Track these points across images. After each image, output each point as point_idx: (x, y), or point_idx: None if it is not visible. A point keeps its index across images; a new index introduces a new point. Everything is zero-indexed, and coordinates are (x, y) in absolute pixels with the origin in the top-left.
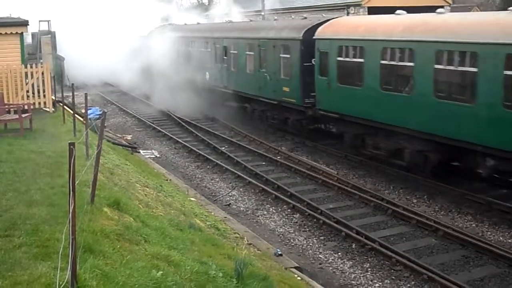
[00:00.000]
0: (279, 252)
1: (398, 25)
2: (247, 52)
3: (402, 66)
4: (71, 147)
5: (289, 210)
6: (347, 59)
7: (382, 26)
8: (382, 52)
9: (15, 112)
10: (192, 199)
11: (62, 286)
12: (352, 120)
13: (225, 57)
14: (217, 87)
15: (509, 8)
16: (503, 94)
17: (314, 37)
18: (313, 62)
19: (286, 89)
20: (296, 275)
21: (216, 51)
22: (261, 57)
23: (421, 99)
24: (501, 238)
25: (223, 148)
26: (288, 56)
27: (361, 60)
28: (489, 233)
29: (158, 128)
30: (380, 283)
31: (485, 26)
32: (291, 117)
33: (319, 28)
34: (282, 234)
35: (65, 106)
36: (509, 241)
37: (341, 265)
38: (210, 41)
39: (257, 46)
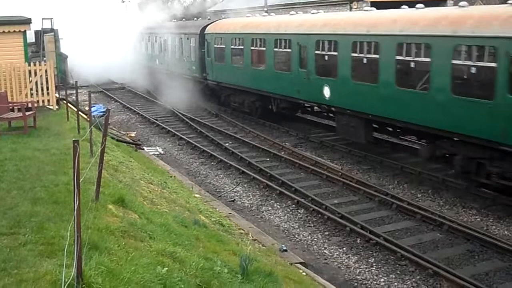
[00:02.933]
0: (284, 248)
1: (239, 24)
2: (176, 43)
3: (239, 49)
4: (75, 144)
5: (293, 205)
6: (218, 46)
7: (232, 25)
8: (232, 41)
9: (19, 110)
10: (197, 195)
11: (68, 283)
12: (224, 85)
13: (165, 48)
14: (162, 70)
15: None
16: (274, 62)
17: (204, 32)
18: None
19: (194, 67)
20: (301, 271)
21: (161, 43)
22: (182, 46)
23: (248, 69)
24: (506, 232)
25: (227, 144)
26: (193, 45)
27: (224, 46)
28: (494, 227)
29: (162, 125)
30: (385, 278)
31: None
32: (199, 86)
33: (207, 27)
34: (287, 230)
35: (68, 104)
36: None
37: (346, 260)
38: (158, 36)
39: (180, 39)
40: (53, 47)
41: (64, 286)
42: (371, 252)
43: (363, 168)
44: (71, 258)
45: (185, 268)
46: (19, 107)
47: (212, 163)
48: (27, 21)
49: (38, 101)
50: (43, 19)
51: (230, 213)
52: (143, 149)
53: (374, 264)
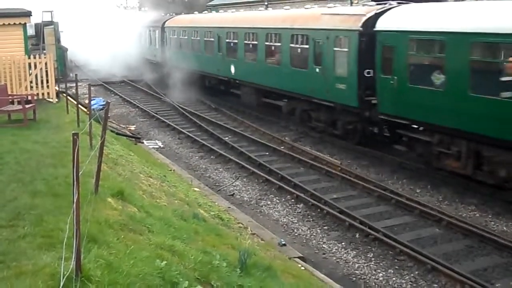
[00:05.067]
0: (283, 242)
1: (186, 20)
2: (147, 35)
3: (185, 39)
4: (75, 137)
5: (292, 200)
6: (173, 36)
7: (182, 20)
8: (181, 33)
9: (19, 103)
10: (196, 189)
11: (67, 276)
12: (181, 67)
13: (140, 38)
14: (142, 57)
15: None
16: (204, 48)
17: (164, 26)
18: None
19: (157, 54)
20: (299, 265)
21: (140, 35)
22: (151, 36)
23: (191, 54)
24: (504, 228)
25: (227, 138)
26: (157, 36)
27: (176, 36)
28: (492, 223)
29: (162, 118)
30: (384, 273)
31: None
32: (162, 69)
33: (166, 21)
34: (286, 224)
35: (68, 97)
36: None
37: (344, 255)
38: (140, 29)
39: (149, 31)
40: (53, 40)
41: (63, 279)
42: (369, 247)
43: (362, 163)
44: (70, 251)
45: (184, 262)
46: (19, 99)
47: (212, 157)
48: (27, 14)
49: (38, 94)
50: (43, 11)
51: (229, 207)
52: (143, 142)
53: (372, 259)
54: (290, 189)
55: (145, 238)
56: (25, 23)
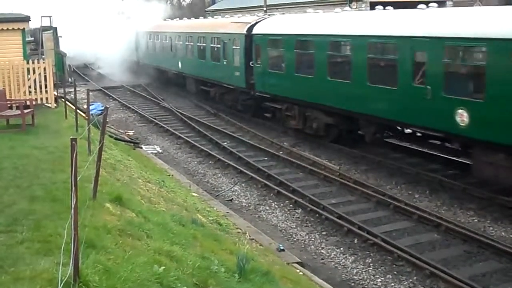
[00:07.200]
0: (281, 247)
1: (152, 25)
2: (127, 38)
3: (152, 41)
4: (73, 142)
5: (291, 205)
6: (142, 39)
7: (148, 26)
8: (149, 36)
9: (17, 107)
10: (194, 194)
11: (64, 281)
12: (147, 66)
13: (123, 41)
14: (125, 58)
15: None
16: (163, 48)
17: (137, 30)
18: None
19: (134, 54)
20: (298, 270)
21: (124, 38)
22: (136, 41)
23: (156, 54)
24: (503, 233)
25: (225, 143)
26: (133, 39)
27: (144, 39)
28: (491, 228)
29: (160, 123)
30: (382, 278)
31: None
32: (137, 67)
33: (138, 28)
34: (284, 229)
35: (67, 102)
36: (511, 236)
37: (343, 260)
38: (127, 33)
39: (134, 34)
40: (52, 45)
41: (60, 284)
42: (368, 252)
43: (360, 168)
44: (68, 257)
45: (182, 267)
46: (18, 104)
47: (210, 162)
48: (26, 19)
49: (36, 99)
50: (42, 17)
51: (227, 212)
52: (141, 147)
53: (371, 264)
54: (289, 194)
55: (143, 243)
56: (23, 28)
